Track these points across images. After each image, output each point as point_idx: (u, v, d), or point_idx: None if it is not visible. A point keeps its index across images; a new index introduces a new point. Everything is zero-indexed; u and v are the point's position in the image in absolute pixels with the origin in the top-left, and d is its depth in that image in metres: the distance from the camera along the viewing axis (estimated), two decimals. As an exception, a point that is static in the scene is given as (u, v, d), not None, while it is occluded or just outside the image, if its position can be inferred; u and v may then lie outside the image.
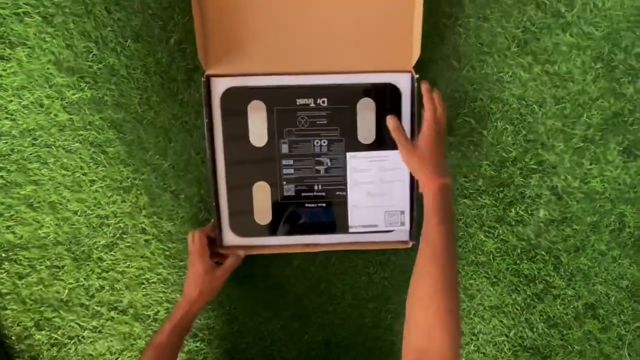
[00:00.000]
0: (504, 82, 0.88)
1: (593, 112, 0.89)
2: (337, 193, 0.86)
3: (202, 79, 0.80)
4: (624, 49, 0.88)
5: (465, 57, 0.88)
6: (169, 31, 0.84)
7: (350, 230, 0.87)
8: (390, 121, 0.80)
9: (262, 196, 0.86)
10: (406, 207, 0.87)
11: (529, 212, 0.92)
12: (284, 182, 0.86)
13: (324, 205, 0.87)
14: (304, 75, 0.83)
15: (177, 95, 0.86)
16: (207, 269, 0.82)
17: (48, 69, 0.84)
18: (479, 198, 0.92)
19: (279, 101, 0.83)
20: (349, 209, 0.86)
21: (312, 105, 0.84)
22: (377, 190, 0.86)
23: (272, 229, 0.87)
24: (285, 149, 0.85)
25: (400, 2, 0.81)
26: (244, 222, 0.86)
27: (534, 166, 0.91)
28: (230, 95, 0.83)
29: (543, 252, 0.93)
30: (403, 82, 0.84)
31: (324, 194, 0.86)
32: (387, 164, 0.85)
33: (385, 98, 0.84)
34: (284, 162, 0.85)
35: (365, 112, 0.84)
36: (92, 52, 0.84)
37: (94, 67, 0.84)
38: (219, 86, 0.83)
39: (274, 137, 0.84)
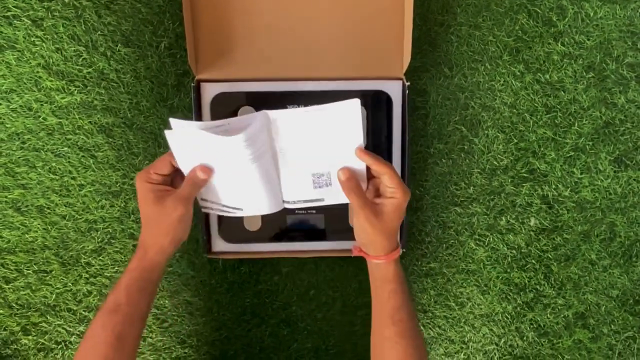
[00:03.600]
0: (495, 90, 0.88)
1: (584, 122, 0.89)
2: None
3: (192, 84, 0.80)
4: (616, 58, 0.88)
5: (457, 65, 0.88)
6: (159, 36, 0.84)
7: (287, 205, 0.76)
8: (342, 175, 0.67)
9: None
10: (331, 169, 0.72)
11: (520, 221, 0.92)
12: None
13: (314, 212, 0.86)
14: (295, 81, 0.83)
15: (166, 101, 0.86)
16: (152, 199, 0.64)
17: (37, 72, 0.83)
18: (470, 206, 0.91)
19: (269, 107, 0.82)
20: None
21: None
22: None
23: (261, 236, 0.87)
24: None
25: (391, 9, 0.80)
26: (233, 229, 0.86)
27: (525, 175, 0.90)
28: (221, 100, 0.82)
29: (533, 261, 0.93)
30: (394, 90, 0.83)
31: None
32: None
33: (377, 105, 0.84)
34: None
35: None
36: (81, 56, 0.84)
37: (83, 71, 0.84)
38: (209, 91, 0.82)
39: None
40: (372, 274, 0.71)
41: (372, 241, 0.67)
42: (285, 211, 0.85)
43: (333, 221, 0.86)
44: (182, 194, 0.65)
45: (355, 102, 0.66)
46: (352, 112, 0.67)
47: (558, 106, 0.89)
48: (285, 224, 0.86)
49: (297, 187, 0.75)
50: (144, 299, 0.66)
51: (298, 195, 0.76)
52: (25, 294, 0.89)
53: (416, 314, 0.72)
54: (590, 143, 0.90)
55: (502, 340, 0.95)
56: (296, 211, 0.85)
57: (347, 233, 0.86)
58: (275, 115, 0.69)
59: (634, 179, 0.91)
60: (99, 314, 0.65)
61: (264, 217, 0.86)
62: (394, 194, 0.66)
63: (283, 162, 0.73)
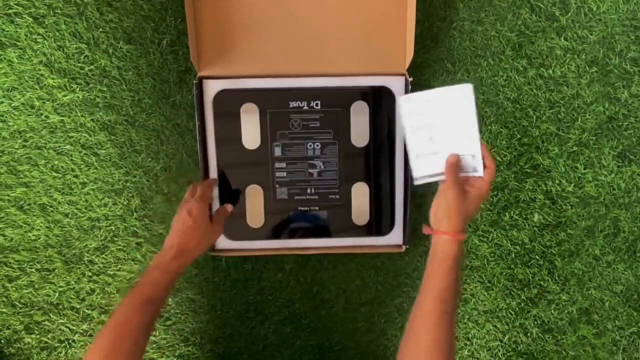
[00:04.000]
0: (498, 86, 0.88)
1: (587, 117, 0.89)
2: (330, 197, 0.86)
3: (194, 81, 0.80)
4: (619, 53, 0.87)
5: (460, 60, 0.87)
6: (161, 33, 0.84)
7: (416, 182, 0.76)
8: (451, 158, 0.73)
9: (255, 199, 0.85)
10: (477, 152, 0.72)
11: (524, 217, 0.92)
12: (277, 185, 0.85)
13: (317, 208, 0.86)
14: (297, 77, 0.83)
15: (169, 98, 0.85)
16: (207, 218, 0.78)
17: (39, 70, 0.83)
18: (473, 202, 0.91)
19: (272, 104, 0.83)
20: (410, 159, 0.75)
21: (306, 108, 0.83)
22: (440, 135, 0.74)
23: (264, 233, 0.87)
24: (278, 152, 0.84)
25: (393, 5, 0.80)
26: (236, 226, 0.86)
27: (528, 170, 0.90)
28: (223, 97, 0.82)
29: (537, 257, 0.93)
30: (397, 85, 0.83)
31: (317, 197, 0.86)
32: (445, 103, 0.73)
33: (379, 101, 0.84)
34: (277, 165, 0.85)
35: (359, 115, 0.84)
36: (83, 53, 0.83)
37: (85, 69, 0.84)
38: (212, 88, 0.82)
39: (266, 140, 0.84)
40: (434, 251, 0.70)
41: (449, 216, 0.70)
42: (289, 207, 0.86)
43: (336, 218, 0.86)
44: (219, 220, 0.82)
45: (468, 87, 0.71)
46: (465, 97, 0.71)
47: (561, 101, 0.88)
48: (288, 221, 0.86)
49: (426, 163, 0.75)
50: (167, 296, 0.75)
51: (426, 171, 0.75)
52: (28, 293, 0.89)
53: (459, 303, 0.74)
54: (594, 138, 0.89)
55: (506, 336, 0.95)
56: (299, 207, 0.86)
57: (351, 230, 0.87)
58: (404, 98, 0.74)
59: (638, 174, 0.90)
60: (135, 299, 0.70)
61: (266, 213, 0.86)
62: (482, 187, 0.72)
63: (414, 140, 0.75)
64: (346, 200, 0.86)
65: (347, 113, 0.84)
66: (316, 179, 0.85)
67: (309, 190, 0.86)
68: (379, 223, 0.88)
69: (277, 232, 0.87)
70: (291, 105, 0.83)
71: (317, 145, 0.85)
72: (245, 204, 0.85)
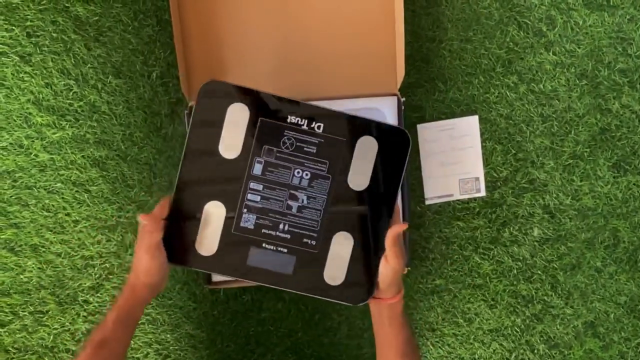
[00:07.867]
0: (490, 103, 0.88)
1: (580, 129, 0.89)
2: (305, 240, 0.72)
3: (186, 111, 0.79)
4: (607, 65, 0.88)
5: (451, 79, 0.88)
6: (150, 66, 0.83)
7: (427, 202, 0.87)
8: (398, 228, 0.69)
9: (212, 220, 0.71)
10: (481, 174, 0.87)
11: (523, 232, 0.91)
12: (245, 210, 0.71)
13: (285, 251, 0.72)
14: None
15: (160, 130, 0.85)
16: (147, 246, 0.67)
17: (27, 108, 0.82)
18: (472, 220, 0.90)
19: (267, 112, 0.70)
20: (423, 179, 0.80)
21: (305, 127, 0.70)
22: (450, 159, 0.88)
23: (213, 264, 0.72)
24: (257, 169, 0.70)
25: (382, 27, 0.81)
26: (181, 248, 0.71)
27: (525, 185, 0.90)
28: (211, 90, 0.69)
29: (539, 272, 0.92)
30: (388, 106, 0.83)
31: (288, 236, 0.72)
32: (455, 132, 0.87)
33: (392, 143, 0.72)
34: (252, 185, 0.71)
35: (364, 152, 0.71)
36: (72, 89, 0.83)
37: (74, 105, 0.83)
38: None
39: (248, 151, 0.70)
40: (380, 314, 0.74)
41: (396, 283, 0.72)
42: (251, 241, 0.72)
43: (305, 270, 0.72)
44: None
45: (474, 119, 0.88)
46: (471, 126, 0.88)
47: (553, 115, 0.89)
48: (245, 259, 0.72)
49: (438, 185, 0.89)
50: (129, 332, 0.71)
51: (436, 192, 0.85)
52: (21, 337, 0.87)
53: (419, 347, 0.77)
54: (588, 150, 0.90)
55: (513, 354, 0.94)
56: (264, 244, 0.72)
57: (319, 289, 0.73)
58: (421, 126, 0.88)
59: (634, 184, 0.91)
60: (86, 349, 0.67)
61: (221, 241, 0.71)
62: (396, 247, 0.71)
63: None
64: (322, 249, 0.72)
65: (350, 146, 0.71)
66: (294, 214, 0.71)
67: (281, 226, 0.72)
68: (352, 289, 0.73)
69: (228, 267, 0.72)
70: (289, 120, 0.70)
71: (307, 175, 0.71)
72: (198, 224, 0.71)
